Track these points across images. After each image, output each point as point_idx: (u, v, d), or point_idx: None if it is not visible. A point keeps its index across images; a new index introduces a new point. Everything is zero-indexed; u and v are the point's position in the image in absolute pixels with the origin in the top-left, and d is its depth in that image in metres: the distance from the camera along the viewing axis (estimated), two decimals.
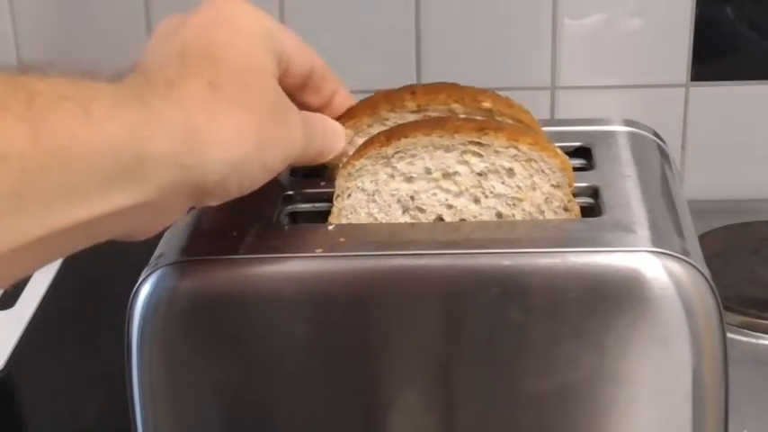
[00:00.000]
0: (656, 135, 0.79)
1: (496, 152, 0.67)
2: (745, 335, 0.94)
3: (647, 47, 1.16)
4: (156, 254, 0.65)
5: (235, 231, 0.66)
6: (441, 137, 0.67)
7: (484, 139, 0.67)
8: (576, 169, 0.70)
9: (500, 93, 1.12)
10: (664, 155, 0.77)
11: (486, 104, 0.71)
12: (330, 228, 0.66)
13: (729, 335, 0.63)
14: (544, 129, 0.73)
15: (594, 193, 0.69)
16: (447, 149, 0.67)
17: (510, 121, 0.72)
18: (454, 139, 0.67)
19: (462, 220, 0.67)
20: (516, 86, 1.18)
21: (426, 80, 1.16)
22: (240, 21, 0.62)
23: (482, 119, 0.70)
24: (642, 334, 0.61)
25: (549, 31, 1.16)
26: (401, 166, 0.67)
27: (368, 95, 0.73)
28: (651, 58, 1.17)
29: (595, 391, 0.62)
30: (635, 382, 0.62)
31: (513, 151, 0.67)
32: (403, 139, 0.67)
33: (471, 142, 0.67)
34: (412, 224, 0.67)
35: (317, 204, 0.71)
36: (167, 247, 0.66)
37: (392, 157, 0.67)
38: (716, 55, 1.17)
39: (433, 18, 1.15)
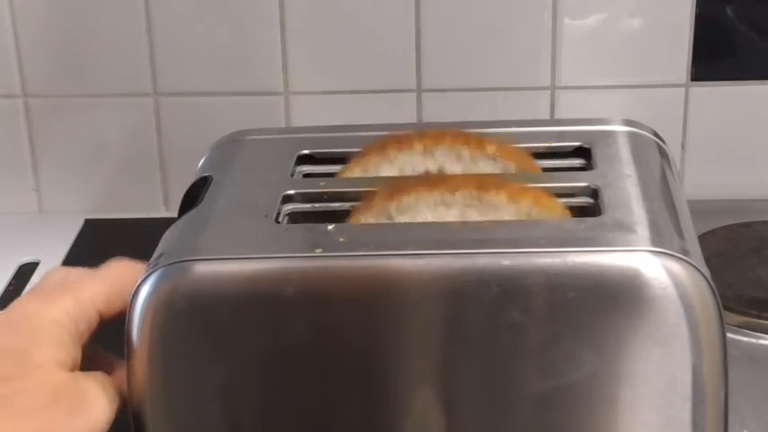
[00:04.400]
0: (656, 135, 0.79)
1: (497, 209, 0.67)
2: (745, 335, 0.94)
3: (647, 47, 1.16)
4: (156, 254, 0.65)
5: (235, 231, 0.66)
6: (442, 194, 0.67)
7: (485, 198, 0.67)
8: (576, 169, 0.70)
9: (500, 93, 1.12)
10: (664, 155, 0.77)
11: (491, 149, 0.72)
12: (330, 228, 0.66)
13: (729, 335, 0.63)
14: (544, 129, 0.73)
15: (594, 192, 0.69)
16: (448, 206, 0.67)
17: (513, 166, 0.72)
18: (455, 197, 0.67)
19: None
20: (516, 86, 1.18)
21: (427, 81, 1.16)
22: (23, 319, 0.62)
23: (483, 174, 0.70)
24: (642, 334, 0.61)
25: (549, 31, 1.16)
26: (403, 220, 0.67)
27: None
28: (651, 58, 1.17)
29: (595, 391, 0.62)
30: (635, 381, 0.62)
31: (513, 208, 0.67)
32: (405, 197, 0.67)
33: (472, 198, 0.67)
34: (412, 224, 0.67)
35: (317, 204, 0.71)
36: (167, 247, 0.66)
37: (394, 212, 0.67)
38: (716, 55, 1.17)
39: (433, 18, 1.15)
